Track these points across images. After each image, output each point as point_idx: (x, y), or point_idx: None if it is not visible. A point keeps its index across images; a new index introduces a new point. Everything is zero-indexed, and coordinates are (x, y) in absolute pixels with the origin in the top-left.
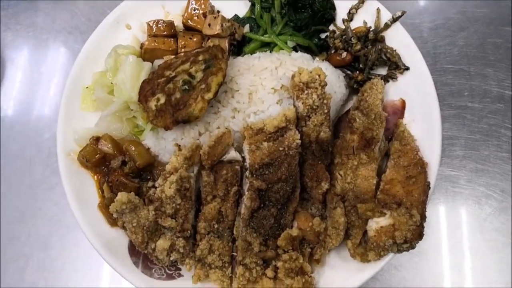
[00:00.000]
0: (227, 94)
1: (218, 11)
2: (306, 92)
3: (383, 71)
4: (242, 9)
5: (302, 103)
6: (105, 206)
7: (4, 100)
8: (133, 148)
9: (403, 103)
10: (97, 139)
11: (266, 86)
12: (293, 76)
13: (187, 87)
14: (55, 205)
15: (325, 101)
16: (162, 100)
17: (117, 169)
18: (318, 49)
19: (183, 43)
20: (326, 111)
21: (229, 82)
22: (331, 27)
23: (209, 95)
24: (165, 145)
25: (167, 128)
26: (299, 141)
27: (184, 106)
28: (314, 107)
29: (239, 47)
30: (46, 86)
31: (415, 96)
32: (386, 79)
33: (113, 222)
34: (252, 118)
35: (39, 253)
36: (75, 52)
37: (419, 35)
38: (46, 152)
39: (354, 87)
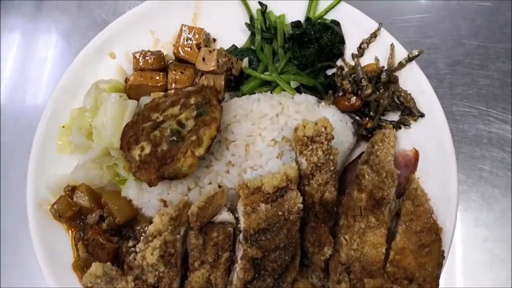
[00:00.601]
0: (221, 145)
1: (214, 39)
2: (310, 147)
3: (394, 116)
4: (240, 38)
5: (306, 160)
6: (79, 267)
7: None
8: (113, 203)
9: (416, 154)
10: (72, 189)
11: (265, 137)
12: (296, 129)
13: (175, 139)
14: (26, 256)
15: (331, 157)
16: (147, 150)
17: (94, 225)
18: (324, 89)
19: (173, 78)
20: (332, 168)
21: (224, 131)
22: (339, 63)
23: (200, 151)
24: (149, 198)
25: (151, 184)
26: (301, 205)
27: (171, 161)
28: (319, 164)
29: (236, 82)
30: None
31: (430, 147)
32: (398, 125)
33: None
34: (248, 174)
35: None
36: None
37: (434, 72)
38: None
39: (363, 135)
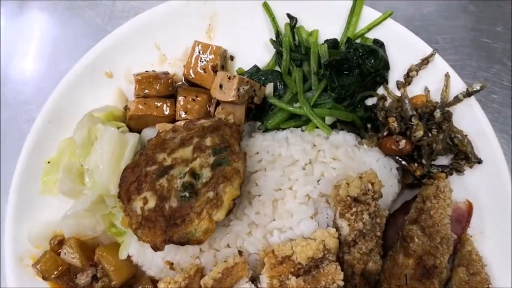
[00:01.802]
0: (242, 200)
1: (232, 57)
2: (354, 210)
3: (445, 159)
4: (263, 56)
5: (348, 225)
6: None
7: None
8: (109, 262)
9: (470, 207)
10: (60, 242)
11: (297, 192)
12: (337, 187)
13: (187, 194)
14: None
15: (377, 220)
16: (152, 204)
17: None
18: (363, 122)
19: (183, 106)
20: (378, 233)
21: (246, 182)
22: (381, 90)
23: (219, 216)
24: (153, 257)
25: (156, 248)
26: (341, 283)
27: (182, 222)
28: (364, 230)
29: (257, 109)
30: None
31: (487, 199)
32: (449, 172)
33: None
34: (276, 237)
35: None
36: None
37: (496, 110)
38: None
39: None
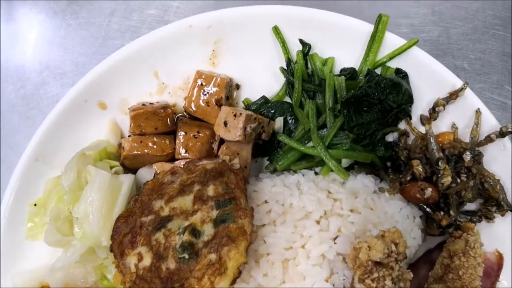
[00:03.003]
0: (248, 259)
1: (238, 86)
2: (375, 274)
3: (473, 204)
4: (271, 84)
5: None
6: None
7: None
8: None
9: (500, 259)
10: None
11: (310, 252)
12: (357, 249)
13: (186, 256)
14: None
15: (401, 285)
16: (147, 261)
17: None
18: (382, 162)
19: (184, 143)
20: None
21: (253, 239)
22: (403, 126)
23: (222, 285)
24: None
25: None
26: None
27: (180, 286)
28: None
29: (265, 144)
30: None
31: None
32: (478, 219)
33: None
34: None
35: None
36: None
37: None
38: None
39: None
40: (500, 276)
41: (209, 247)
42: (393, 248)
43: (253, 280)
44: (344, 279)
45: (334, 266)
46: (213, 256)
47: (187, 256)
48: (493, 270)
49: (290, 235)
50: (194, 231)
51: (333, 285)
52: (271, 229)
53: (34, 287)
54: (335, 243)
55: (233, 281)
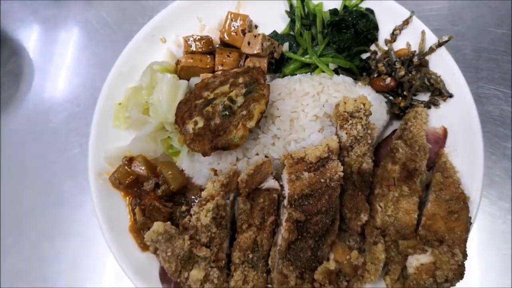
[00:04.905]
0: (267, 120)
1: (256, 26)
2: (350, 122)
3: (425, 96)
4: (280, 25)
5: (346, 133)
6: (136, 230)
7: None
8: (168, 171)
9: (445, 132)
10: (130, 160)
11: (308, 113)
12: (337, 105)
13: (227, 113)
14: (83, 224)
15: (369, 131)
16: (201, 124)
17: (150, 192)
18: (359, 71)
19: (220, 60)
20: (369, 141)
21: (270, 107)
22: (373, 48)
23: (251, 124)
24: (200, 168)
25: (205, 154)
26: (341, 173)
27: (224, 133)
28: (358, 137)
29: (277, 65)
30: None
31: (458, 125)
32: (428, 105)
33: (144, 246)
34: (292, 146)
35: (68, 273)
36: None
37: (462, 58)
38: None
39: (396, 113)
40: (445, 143)
41: (241, 108)
42: (362, 106)
43: (270, 132)
44: (331, 133)
45: (324, 124)
46: (244, 112)
47: (227, 113)
48: (441, 139)
49: (294, 104)
50: (231, 100)
51: (324, 136)
52: (282, 101)
53: (121, 157)
54: (324, 107)
55: (257, 123)
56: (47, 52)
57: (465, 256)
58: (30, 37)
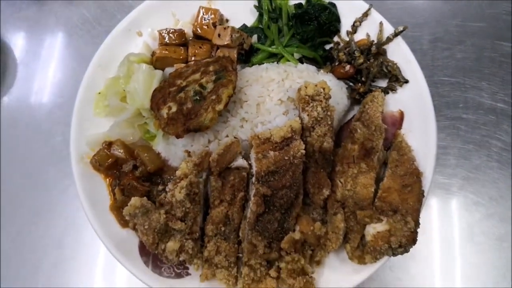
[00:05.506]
0: (236, 104)
1: (227, 20)
2: (311, 104)
3: (383, 83)
4: (249, 19)
5: (307, 115)
6: (116, 208)
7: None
8: (145, 154)
9: (402, 115)
10: (109, 144)
11: (273, 98)
12: (299, 89)
13: (198, 98)
14: (67, 206)
15: (329, 113)
16: (174, 109)
17: (129, 173)
18: (322, 60)
19: (193, 52)
20: (329, 122)
21: (238, 93)
22: (336, 39)
23: (220, 107)
24: (175, 151)
25: (178, 136)
26: (303, 151)
27: (195, 116)
28: (319, 119)
29: (246, 56)
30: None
31: (413, 108)
32: (386, 91)
33: (124, 223)
34: (259, 128)
35: (53, 252)
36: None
37: (418, 48)
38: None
39: (356, 98)
40: (402, 125)
41: (211, 93)
42: (322, 90)
43: (239, 115)
44: (294, 116)
45: (289, 107)
46: (213, 96)
47: (198, 98)
48: (397, 121)
49: (261, 89)
50: (202, 86)
51: (288, 119)
52: (249, 87)
53: (101, 142)
54: (287, 92)
55: (225, 106)
56: (31, 48)
57: (417, 224)
58: (13, 35)
